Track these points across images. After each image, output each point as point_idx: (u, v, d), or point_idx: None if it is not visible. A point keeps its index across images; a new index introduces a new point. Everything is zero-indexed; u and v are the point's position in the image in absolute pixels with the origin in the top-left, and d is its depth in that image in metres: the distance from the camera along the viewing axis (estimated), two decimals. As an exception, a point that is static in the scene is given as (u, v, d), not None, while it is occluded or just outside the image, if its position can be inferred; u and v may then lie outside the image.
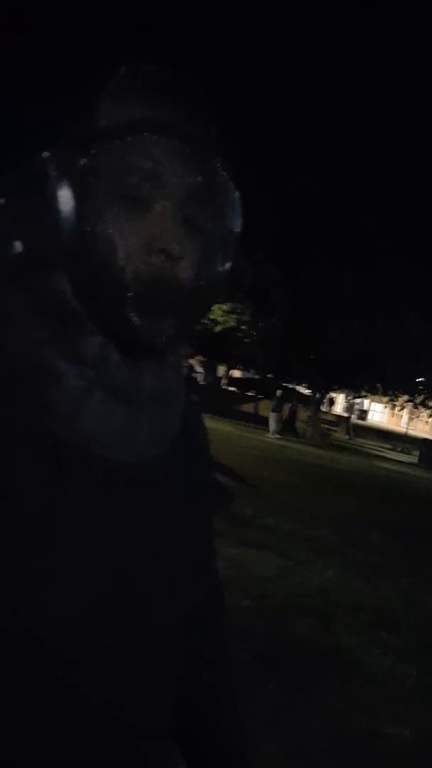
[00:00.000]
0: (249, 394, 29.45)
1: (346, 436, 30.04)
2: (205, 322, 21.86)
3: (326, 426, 26.77)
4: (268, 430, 19.58)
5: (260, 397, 31.05)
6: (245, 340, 24.19)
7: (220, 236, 0.58)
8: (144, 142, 0.52)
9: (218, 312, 24.20)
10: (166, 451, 0.61)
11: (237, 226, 0.58)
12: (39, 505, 0.50)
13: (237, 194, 0.58)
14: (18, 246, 0.54)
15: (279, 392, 21.04)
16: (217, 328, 24.94)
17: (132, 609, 0.55)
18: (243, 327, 24.37)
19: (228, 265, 0.59)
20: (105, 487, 0.55)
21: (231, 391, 30.93)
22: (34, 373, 0.52)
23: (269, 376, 23.12)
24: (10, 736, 0.48)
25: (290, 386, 23.99)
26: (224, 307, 23.44)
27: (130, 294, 0.52)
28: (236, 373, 35.08)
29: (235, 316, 24.35)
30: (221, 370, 34.72)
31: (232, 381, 33.46)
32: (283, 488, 9.45)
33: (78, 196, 0.52)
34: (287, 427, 21.24)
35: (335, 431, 29.19)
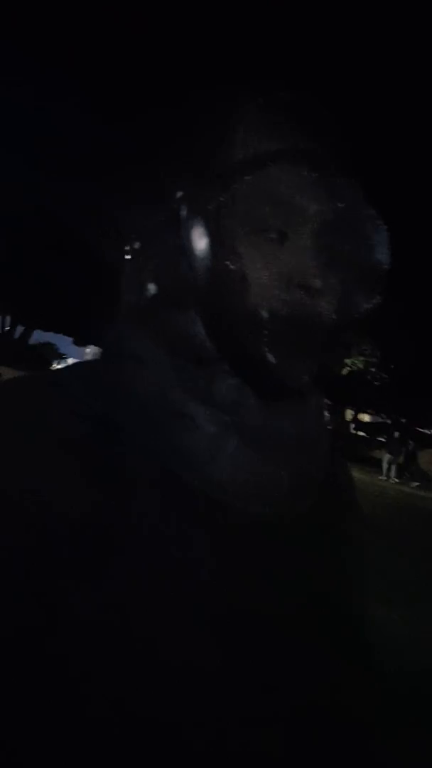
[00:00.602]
0: (380, 439, 28.28)
1: None
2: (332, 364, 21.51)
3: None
4: (400, 478, 18.49)
5: (391, 443, 29.77)
6: (375, 382, 23.42)
7: (365, 268, 0.53)
8: (279, 173, 0.49)
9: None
10: (307, 507, 0.55)
11: (384, 256, 0.54)
12: (168, 563, 0.46)
13: (382, 223, 0.53)
14: (151, 288, 0.53)
15: (396, 434, 19.92)
16: (344, 370, 24.44)
17: (272, 689, 0.48)
18: (372, 369, 23.64)
19: (375, 300, 0.54)
20: (242, 543, 0.50)
21: (359, 435, 29.92)
22: (165, 417, 0.50)
23: (402, 420, 22.05)
24: None
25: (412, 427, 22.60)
26: (351, 349, 22.96)
27: (267, 333, 0.49)
28: (365, 417, 33.97)
29: (363, 358, 23.74)
30: (348, 414, 33.86)
31: (360, 425, 32.41)
32: (420, 541, 8.74)
33: (212, 234, 0.50)
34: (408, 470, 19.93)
35: None
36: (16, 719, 0.43)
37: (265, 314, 0.49)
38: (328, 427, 0.62)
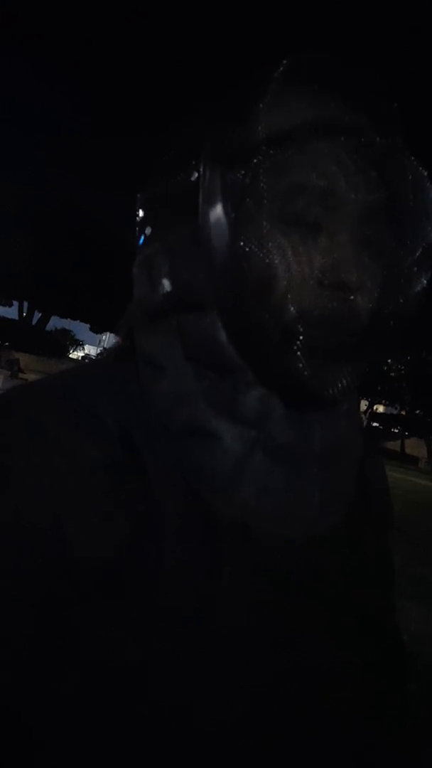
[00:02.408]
0: (394, 430, 28.07)
1: None
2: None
3: None
4: (416, 469, 18.38)
5: (407, 434, 29.41)
6: (391, 374, 23.22)
7: (410, 261, 0.46)
8: (313, 152, 0.43)
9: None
10: (339, 520, 0.50)
11: (429, 247, 0.46)
12: (189, 592, 0.43)
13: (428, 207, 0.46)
14: (166, 285, 0.47)
15: None
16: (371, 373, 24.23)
17: (302, 730, 0.46)
18: (388, 360, 23.46)
19: (420, 297, 0.46)
20: (269, 566, 0.46)
21: (374, 427, 29.71)
22: (186, 434, 0.45)
23: (417, 412, 21.87)
24: None
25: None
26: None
27: (298, 337, 0.43)
28: (380, 408, 33.72)
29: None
30: (363, 404, 33.63)
31: (375, 416, 32.17)
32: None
33: (233, 224, 0.43)
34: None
35: None
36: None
37: (295, 317, 0.43)
38: (362, 433, 0.55)
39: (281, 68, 0.43)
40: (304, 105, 0.44)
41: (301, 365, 0.43)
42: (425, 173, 0.46)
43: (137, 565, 0.42)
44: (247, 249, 0.42)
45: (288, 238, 0.43)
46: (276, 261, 0.42)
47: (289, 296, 0.43)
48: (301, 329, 0.42)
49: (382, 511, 0.60)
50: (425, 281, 0.46)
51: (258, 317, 0.43)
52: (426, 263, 0.46)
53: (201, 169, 0.45)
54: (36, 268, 20.21)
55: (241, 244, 0.42)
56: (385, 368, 23.65)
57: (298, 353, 0.43)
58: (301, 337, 0.42)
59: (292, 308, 0.43)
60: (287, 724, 0.45)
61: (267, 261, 0.42)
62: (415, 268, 0.46)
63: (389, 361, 23.22)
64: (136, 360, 0.49)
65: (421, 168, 0.46)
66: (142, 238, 0.51)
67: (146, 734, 0.41)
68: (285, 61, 0.43)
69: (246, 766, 0.44)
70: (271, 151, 0.42)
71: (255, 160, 0.42)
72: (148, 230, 0.50)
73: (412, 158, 0.46)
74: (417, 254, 0.46)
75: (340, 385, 0.45)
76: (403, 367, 21.51)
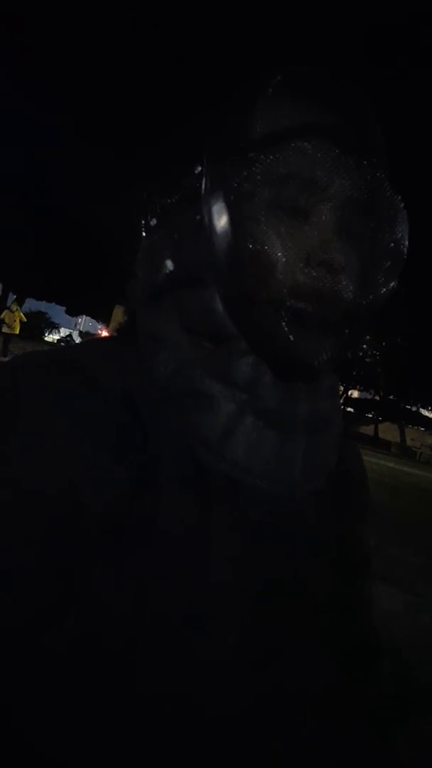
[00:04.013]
0: (368, 415, 28.50)
1: None
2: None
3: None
4: (389, 454, 18.73)
5: (380, 419, 29.90)
6: (366, 359, 23.50)
7: (385, 250, 0.52)
8: (303, 149, 0.48)
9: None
10: (320, 488, 0.54)
11: (403, 239, 0.53)
12: (184, 539, 0.46)
13: (402, 206, 0.52)
14: (169, 265, 0.53)
15: None
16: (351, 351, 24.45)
17: (278, 670, 0.49)
18: (364, 346, 23.72)
19: (393, 284, 0.53)
20: (255, 521, 0.50)
21: (348, 411, 30.09)
22: (183, 396, 0.50)
23: (391, 397, 22.23)
24: None
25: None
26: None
27: (286, 310, 0.48)
28: (355, 394, 34.13)
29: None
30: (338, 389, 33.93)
31: (350, 401, 32.56)
32: (407, 517, 8.90)
33: (232, 211, 0.49)
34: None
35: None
36: (27, 692, 0.44)
37: (285, 291, 0.48)
38: (340, 409, 0.60)
39: (276, 78, 0.51)
40: (295, 109, 0.50)
41: (288, 335, 0.48)
42: (390, 176, 0.52)
43: (136, 514, 0.45)
44: (244, 230, 0.48)
45: (280, 221, 0.48)
46: (269, 241, 0.48)
47: (279, 273, 0.47)
48: (290, 303, 0.48)
49: (360, 495, 0.64)
50: (397, 269, 0.53)
51: (252, 291, 0.48)
52: (398, 253, 0.52)
53: (204, 163, 0.51)
54: (10, 250, 19.79)
55: (239, 226, 0.48)
56: (360, 354, 23.93)
57: (286, 325, 0.48)
58: (288, 310, 0.48)
59: (282, 285, 0.48)
60: (269, 679, 0.48)
61: (261, 241, 0.48)
62: (388, 256, 0.52)
63: (364, 346, 23.51)
64: (137, 336, 0.54)
65: (387, 169, 0.52)
66: (146, 228, 0.56)
67: (139, 698, 0.44)
68: (278, 74, 0.51)
69: (224, 701, 0.46)
70: (267, 149, 0.48)
71: (251, 154, 0.48)
72: (153, 221, 0.55)
73: (384, 159, 0.53)
74: (390, 244, 0.52)
75: (323, 356, 0.49)
76: (378, 353, 21.78)
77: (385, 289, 0.52)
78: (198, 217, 0.51)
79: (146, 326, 0.54)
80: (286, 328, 0.48)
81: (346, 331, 0.51)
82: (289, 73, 0.52)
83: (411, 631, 4.40)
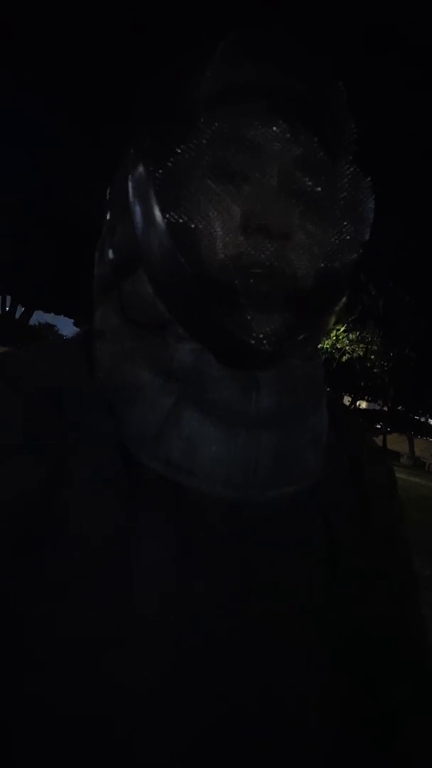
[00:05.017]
0: (377, 426, 28.31)
1: None
2: (332, 351, 21.51)
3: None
4: (398, 465, 18.58)
5: (388, 430, 29.67)
6: (374, 370, 23.37)
7: (346, 216, 0.46)
8: (243, 108, 0.44)
9: (344, 341, 23.70)
10: (299, 493, 0.47)
11: (367, 207, 0.47)
12: (101, 545, 0.41)
13: (368, 181, 0.47)
14: (110, 255, 0.49)
15: None
16: (344, 358, 24.37)
17: (231, 703, 0.42)
18: (372, 357, 23.58)
19: (355, 255, 0.46)
20: (198, 529, 0.43)
21: (363, 422, 29.84)
22: (116, 390, 0.45)
23: (400, 408, 22.07)
24: None
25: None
26: (351, 336, 22.90)
27: (223, 286, 0.42)
28: (363, 404, 33.96)
29: (363, 345, 23.66)
30: (346, 400, 33.84)
31: (359, 412, 32.39)
32: (419, 528, 8.79)
33: (157, 183, 0.43)
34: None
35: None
36: None
37: (217, 265, 0.42)
38: (325, 404, 0.52)
39: (222, 40, 0.44)
40: (238, 71, 0.44)
41: (224, 316, 0.42)
42: (354, 133, 0.46)
43: (48, 517, 0.41)
44: (172, 203, 0.42)
45: (210, 186, 0.43)
46: (195, 209, 0.42)
47: (209, 244, 0.42)
48: (224, 278, 0.42)
49: (385, 522, 0.55)
50: (355, 235, 0.46)
51: (178, 268, 0.42)
52: (355, 217, 0.46)
53: (135, 135, 0.46)
54: (19, 262, 19.94)
55: (163, 202, 0.43)
56: (368, 365, 23.81)
57: (221, 304, 0.42)
58: (224, 287, 0.42)
59: (213, 257, 0.42)
60: (199, 689, 0.42)
61: (186, 210, 0.42)
62: (343, 220, 0.46)
63: (372, 357, 23.39)
64: (89, 334, 0.50)
65: (352, 128, 0.46)
66: (103, 221, 0.52)
67: (44, 723, 0.40)
68: (232, 35, 0.44)
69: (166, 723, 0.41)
70: (195, 107, 0.43)
71: (176, 115, 0.43)
72: (108, 213, 0.50)
73: (348, 120, 0.47)
74: (345, 206, 0.46)
75: (270, 338, 0.42)
76: (386, 364, 21.68)
77: (341, 258, 0.46)
78: (128, 196, 0.45)
79: (95, 322, 0.50)
80: (220, 308, 0.42)
81: (296, 308, 0.44)
82: (242, 32, 0.45)
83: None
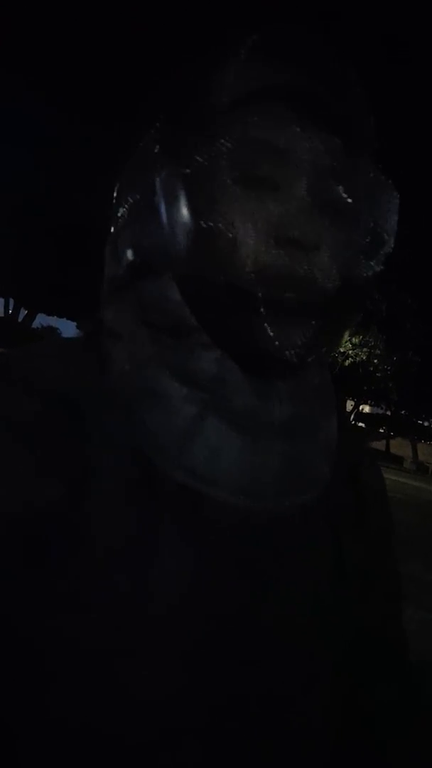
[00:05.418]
0: (380, 430, 28.30)
1: None
2: (335, 355, 21.54)
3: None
4: (401, 469, 18.56)
5: (392, 434, 29.69)
6: (377, 374, 23.37)
7: (370, 228, 0.46)
8: (272, 113, 0.42)
9: (347, 345, 23.70)
10: (309, 501, 0.47)
11: (392, 218, 0.47)
12: (122, 555, 0.41)
13: (391, 183, 0.47)
14: (129, 254, 0.48)
15: None
16: (347, 362, 24.37)
17: (244, 711, 0.43)
18: (375, 361, 23.58)
19: (379, 267, 0.46)
20: (218, 538, 0.44)
21: (360, 427, 29.89)
22: (137, 396, 0.44)
23: (403, 412, 22.07)
24: None
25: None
26: (354, 339, 22.90)
27: (252, 296, 0.42)
28: (366, 409, 33.94)
29: (366, 349, 23.66)
30: (349, 405, 33.82)
31: (361, 416, 32.37)
32: (421, 533, 8.76)
33: (186, 184, 0.43)
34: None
35: None
36: None
37: (248, 274, 0.42)
38: (336, 411, 0.53)
39: (248, 39, 0.44)
40: (263, 73, 0.44)
41: (254, 325, 0.42)
42: (378, 153, 0.47)
43: (68, 528, 0.41)
44: (200, 206, 0.42)
45: (242, 195, 0.42)
46: (228, 218, 0.42)
47: (241, 254, 0.42)
48: (256, 288, 0.42)
49: (378, 516, 0.57)
50: (382, 248, 0.46)
51: (211, 276, 0.42)
52: (382, 229, 0.46)
53: (161, 137, 0.46)
54: (22, 265, 20.02)
55: (195, 207, 0.42)
56: (371, 369, 23.81)
57: (251, 313, 0.42)
58: (255, 296, 0.42)
59: (245, 266, 0.42)
60: (215, 697, 0.42)
61: (219, 218, 0.42)
62: (370, 232, 0.46)
63: (375, 361, 23.38)
64: (98, 334, 0.49)
65: (374, 134, 0.47)
66: (116, 224, 0.51)
67: (53, 733, 0.40)
68: (252, 36, 0.44)
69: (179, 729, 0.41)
70: (227, 113, 0.42)
71: (210, 120, 0.42)
72: (120, 211, 0.50)
73: (370, 129, 0.47)
74: (372, 218, 0.46)
75: (297, 348, 0.43)
76: (389, 368, 21.66)
77: (368, 271, 0.46)
78: (155, 200, 0.45)
79: (107, 322, 0.49)
80: (251, 318, 0.42)
81: (326, 320, 0.44)
82: (263, 33, 0.45)
83: (426, 648, 4.30)
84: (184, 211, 0.43)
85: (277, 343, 0.42)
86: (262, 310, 0.42)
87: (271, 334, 0.42)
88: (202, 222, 0.42)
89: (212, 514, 0.43)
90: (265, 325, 0.42)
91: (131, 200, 0.48)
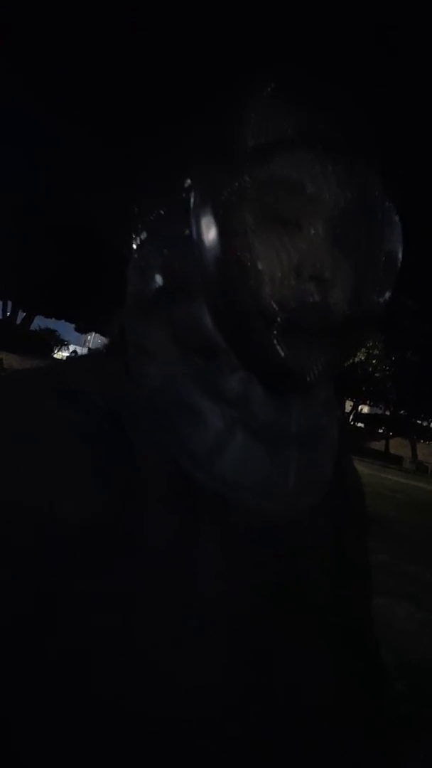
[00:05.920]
0: (379, 431, 28.35)
1: None
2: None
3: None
4: (400, 469, 18.60)
5: (391, 434, 29.70)
6: (375, 374, 23.41)
7: (377, 261, 0.52)
8: (294, 160, 0.48)
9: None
10: (317, 503, 0.53)
11: (396, 250, 0.52)
12: (170, 555, 0.45)
13: (397, 217, 0.52)
14: (158, 278, 0.52)
15: None
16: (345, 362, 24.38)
17: (275, 696, 0.47)
18: (374, 361, 23.62)
19: (386, 295, 0.52)
20: (246, 537, 0.49)
21: (359, 427, 29.93)
22: (172, 411, 0.49)
23: (402, 412, 22.12)
24: None
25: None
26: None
27: (276, 324, 0.47)
28: (365, 409, 33.97)
29: (364, 349, 23.70)
30: (348, 405, 33.83)
31: (360, 417, 32.38)
32: (421, 533, 8.78)
33: (221, 223, 0.48)
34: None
35: None
36: (14, 714, 0.43)
37: (275, 305, 0.47)
38: (337, 421, 0.60)
39: (269, 84, 0.50)
40: (286, 118, 0.49)
41: (279, 349, 0.48)
42: (386, 187, 0.52)
43: (120, 528, 0.44)
44: (233, 243, 0.47)
45: (269, 234, 0.48)
46: (258, 254, 0.47)
47: (269, 286, 0.47)
48: (280, 316, 0.47)
49: (360, 510, 0.63)
50: (391, 279, 0.52)
51: (241, 305, 0.48)
52: (391, 263, 0.52)
53: (193, 175, 0.51)
54: (20, 267, 20.04)
55: (228, 239, 0.48)
56: (370, 369, 23.84)
57: (276, 338, 0.47)
58: (279, 323, 0.47)
59: (272, 299, 0.47)
60: (256, 687, 0.47)
61: (250, 254, 0.47)
62: (381, 267, 0.51)
63: (374, 361, 23.42)
64: (127, 350, 0.53)
65: (383, 180, 0.52)
66: (137, 241, 0.55)
67: (121, 693, 0.42)
68: (271, 78, 0.50)
69: (212, 723, 0.44)
70: (256, 158, 0.47)
71: (241, 166, 0.47)
72: (143, 234, 0.55)
73: (377, 166, 0.52)
74: (382, 254, 0.51)
75: (315, 369, 0.49)
76: (388, 368, 21.70)
77: (378, 301, 0.52)
78: (187, 231, 0.50)
79: (135, 339, 0.53)
80: (276, 342, 0.47)
81: (339, 343, 0.50)
82: (282, 77, 0.50)
83: (426, 648, 4.31)
84: (218, 246, 0.48)
85: (296, 364, 0.48)
86: (283, 335, 0.47)
87: (292, 356, 0.48)
88: (233, 257, 0.47)
89: (242, 517, 0.49)
90: (286, 348, 0.48)
91: (157, 226, 0.54)
